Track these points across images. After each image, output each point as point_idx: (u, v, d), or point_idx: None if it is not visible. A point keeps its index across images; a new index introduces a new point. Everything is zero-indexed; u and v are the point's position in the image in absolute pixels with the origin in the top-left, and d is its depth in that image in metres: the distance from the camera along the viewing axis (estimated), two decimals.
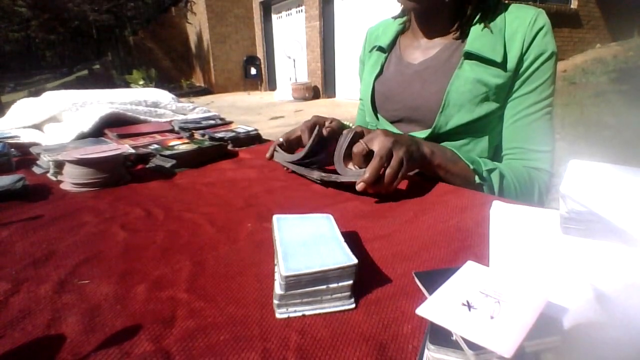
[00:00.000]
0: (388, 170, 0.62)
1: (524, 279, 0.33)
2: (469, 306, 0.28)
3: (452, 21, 0.82)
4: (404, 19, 0.93)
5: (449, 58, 0.81)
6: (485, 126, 0.80)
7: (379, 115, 0.92)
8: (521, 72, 0.77)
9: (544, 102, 0.78)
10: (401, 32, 0.94)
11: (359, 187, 0.61)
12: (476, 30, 0.78)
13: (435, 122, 0.79)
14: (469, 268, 0.32)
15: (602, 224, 0.41)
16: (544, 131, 0.78)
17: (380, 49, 0.94)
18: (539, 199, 0.79)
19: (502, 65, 0.76)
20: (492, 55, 0.75)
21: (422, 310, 0.27)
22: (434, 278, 0.33)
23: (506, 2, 0.81)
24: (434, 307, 0.28)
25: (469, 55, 0.77)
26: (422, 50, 0.87)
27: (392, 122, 0.89)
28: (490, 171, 0.73)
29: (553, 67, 0.77)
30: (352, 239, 0.49)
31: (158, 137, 1.06)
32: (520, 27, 0.76)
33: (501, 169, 0.74)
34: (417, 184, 0.70)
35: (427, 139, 0.79)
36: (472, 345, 0.25)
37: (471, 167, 0.70)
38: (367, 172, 0.61)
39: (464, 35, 0.80)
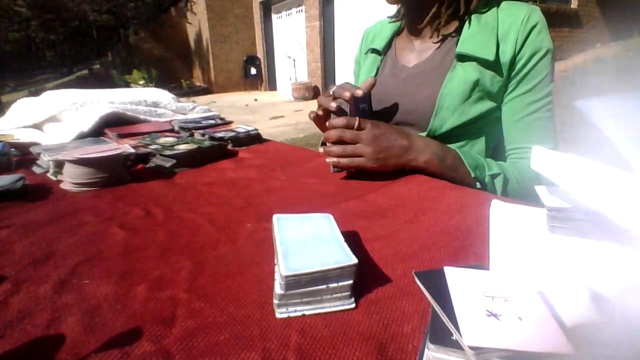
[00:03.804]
0: (345, 160, 0.70)
1: (513, 275, 0.33)
2: (495, 315, 0.27)
3: (439, 16, 0.82)
4: (399, 20, 0.93)
5: (442, 60, 0.81)
6: (482, 127, 0.80)
7: None
8: (517, 71, 0.76)
9: (544, 100, 0.77)
10: (396, 33, 0.93)
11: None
12: (467, 30, 0.78)
13: (430, 125, 0.79)
14: (450, 273, 0.32)
15: (588, 222, 0.41)
16: (545, 129, 0.78)
17: (376, 51, 0.94)
18: None
19: (495, 63, 0.75)
20: (484, 55, 0.75)
21: (472, 341, 0.25)
22: (434, 278, 0.33)
23: None
24: (476, 332, 0.26)
25: (461, 57, 0.77)
26: (416, 53, 0.87)
27: None
28: (494, 176, 0.72)
29: (550, 65, 0.77)
30: (352, 239, 0.49)
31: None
32: (513, 25, 0.75)
33: (506, 173, 0.74)
34: (416, 183, 0.70)
35: None
36: (472, 345, 0.25)
37: (472, 175, 0.70)
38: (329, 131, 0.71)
39: (457, 33, 0.80)
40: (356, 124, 0.69)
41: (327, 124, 0.72)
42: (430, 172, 0.72)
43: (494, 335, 0.26)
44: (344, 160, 0.70)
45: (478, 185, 0.71)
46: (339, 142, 0.71)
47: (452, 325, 0.27)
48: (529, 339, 0.25)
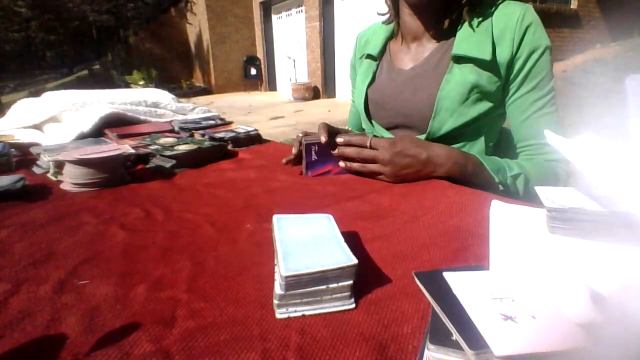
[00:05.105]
0: (363, 168, 0.74)
1: (513, 273, 0.33)
2: (511, 318, 0.27)
3: (443, 17, 0.82)
4: (392, 24, 0.92)
5: (439, 62, 0.81)
6: (480, 128, 0.80)
7: (373, 122, 0.92)
8: (517, 71, 0.77)
9: (548, 96, 0.78)
10: (390, 37, 0.93)
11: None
12: (463, 31, 0.78)
13: (429, 128, 0.79)
14: (451, 277, 0.32)
15: (588, 222, 0.41)
16: (552, 123, 0.79)
17: (371, 56, 0.93)
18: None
19: (492, 64, 0.75)
20: (480, 55, 0.75)
21: (502, 350, 0.24)
22: (434, 278, 0.33)
23: None
24: (501, 340, 0.25)
25: (458, 59, 0.77)
26: (412, 56, 0.87)
27: (387, 129, 0.89)
28: (515, 177, 0.73)
29: (549, 61, 0.77)
30: (352, 239, 0.49)
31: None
32: (508, 25, 0.75)
33: (527, 173, 0.75)
34: (416, 183, 0.70)
35: None
36: (472, 345, 0.25)
37: (496, 179, 0.71)
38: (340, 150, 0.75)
39: (452, 34, 0.80)
40: (369, 143, 0.72)
41: (338, 139, 0.75)
42: (456, 178, 0.72)
43: (518, 340, 0.25)
44: (364, 172, 0.75)
45: (501, 187, 0.72)
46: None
47: (453, 328, 0.27)
48: (550, 338, 0.25)
